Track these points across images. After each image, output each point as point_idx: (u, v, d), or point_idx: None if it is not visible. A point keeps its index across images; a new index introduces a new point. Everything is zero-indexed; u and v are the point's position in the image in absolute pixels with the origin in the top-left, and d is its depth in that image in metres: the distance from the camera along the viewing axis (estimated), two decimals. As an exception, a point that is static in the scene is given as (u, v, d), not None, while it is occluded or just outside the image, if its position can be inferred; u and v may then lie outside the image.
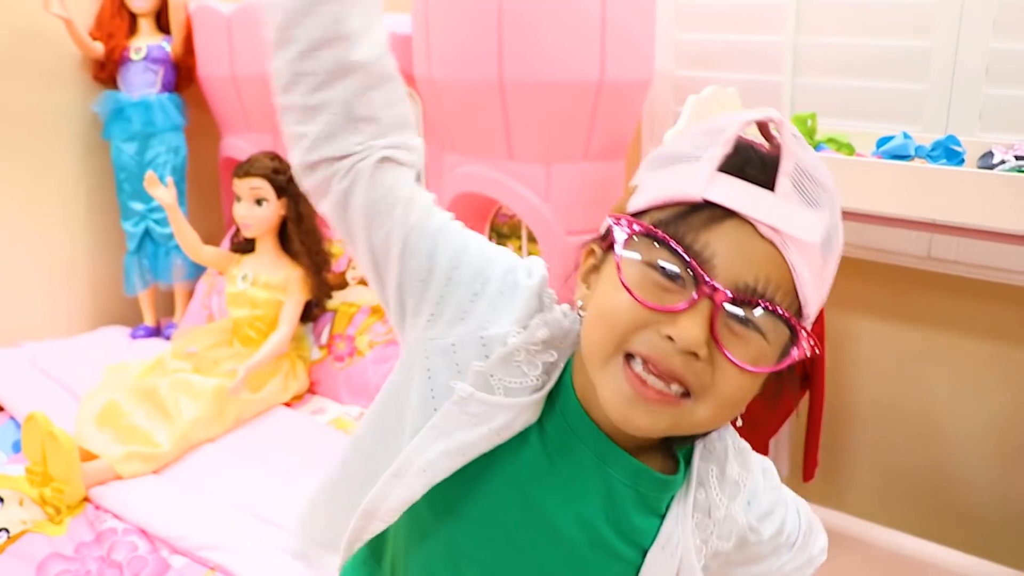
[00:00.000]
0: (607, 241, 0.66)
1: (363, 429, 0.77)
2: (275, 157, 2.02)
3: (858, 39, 1.85)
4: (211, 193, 2.66)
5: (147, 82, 2.38)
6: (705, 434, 0.72)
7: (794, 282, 0.61)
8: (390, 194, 0.69)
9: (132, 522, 1.52)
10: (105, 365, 2.09)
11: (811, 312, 0.64)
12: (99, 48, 2.35)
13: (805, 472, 1.95)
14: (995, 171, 1.43)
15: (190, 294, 2.49)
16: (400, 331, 0.74)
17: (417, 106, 2.13)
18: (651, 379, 0.61)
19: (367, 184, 0.69)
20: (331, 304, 2.11)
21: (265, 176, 1.97)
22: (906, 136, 1.51)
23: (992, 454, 1.88)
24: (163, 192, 1.99)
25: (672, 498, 0.71)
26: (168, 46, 2.41)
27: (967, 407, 1.91)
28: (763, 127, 0.65)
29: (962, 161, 1.49)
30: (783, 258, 0.61)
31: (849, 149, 1.57)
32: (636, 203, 0.66)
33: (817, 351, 0.64)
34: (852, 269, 1.93)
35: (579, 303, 0.69)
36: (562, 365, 0.70)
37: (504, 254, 0.72)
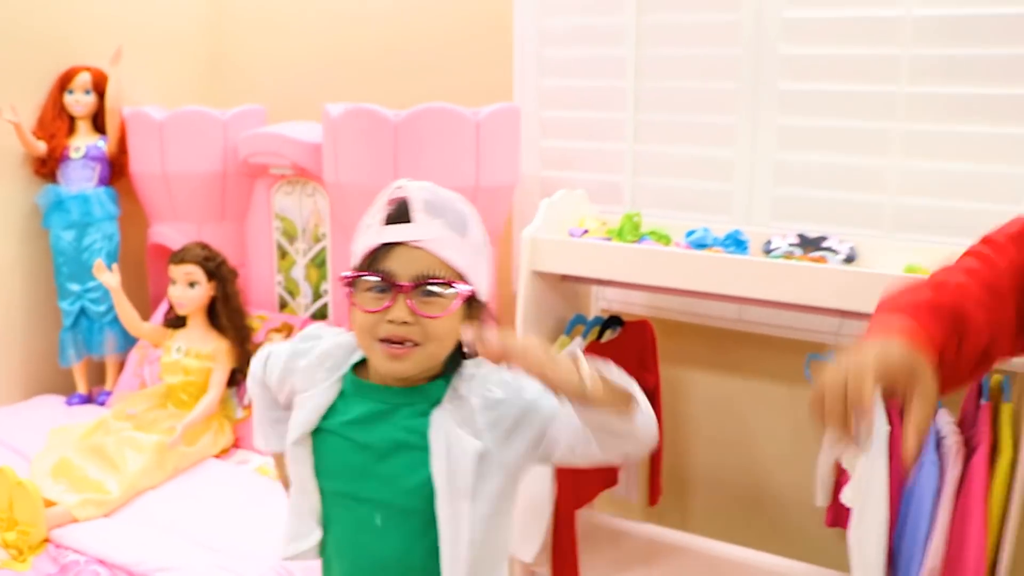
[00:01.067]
0: (347, 287, 1.13)
1: None
2: (205, 246, 2.39)
3: (681, 147, 2.36)
4: (139, 274, 2.97)
5: (85, 177, 2.70)
6: (459, 371, 1.16)
7: (446, 261, 1.08)
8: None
9: (92, 554, 1.83)
10: (49, 429, 2.38)
11: (468, 269, 1.11)
12: (42, 147, 2.66)
13: (651, 497, 2.39)
14: (769, 256, 1.92)
15: (121, 365, 2.79)
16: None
17: (325, 202, 2.53)
18: (394, 346, 1.07)
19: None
20: (253, 371, 2.46)
21: (198, 263, 2.34)
22: (705, 230, 2.00)
23: (799, 472, 2.36)
24: (109, 277, 2.33)
25: (437, 403, 1.13)
26: (104, 145, 2.73)
27: (777, 438, 2.40)
28: (399, 191, 1.12)
29: (746, 248, 1.97)
30: (431, 252, 1.07)
31: (667, 240, 2.04)
32: (355, 261, 1.13)
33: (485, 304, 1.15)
34: (681, 331, 2.44)
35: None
36: (348, 363, 1.18)
37: None
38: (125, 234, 2.82)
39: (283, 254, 2.69)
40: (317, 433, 1.15)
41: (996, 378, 1.89)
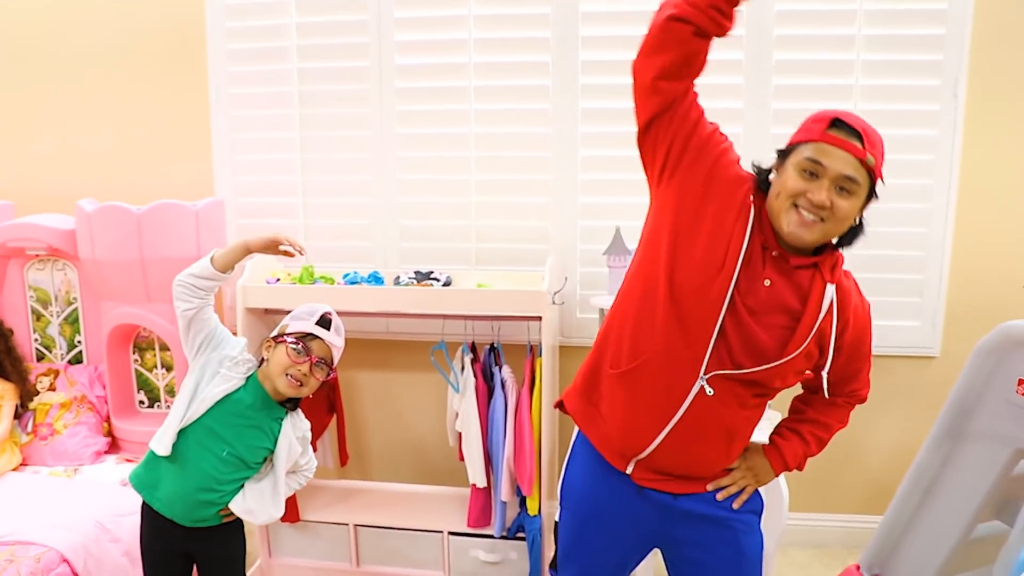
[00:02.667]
0: (277, 339, 2.15)
1: None
2: (-13, 313, 3.12)
3: (336, 219, 3.47)
4: None
5: None
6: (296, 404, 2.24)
7: (333, 355, 2.18)
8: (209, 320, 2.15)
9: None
10: None
11: (335, 360, 2.21)
12: None
13: (341, 460, 3.45)
14: (397, 285, 3.10)
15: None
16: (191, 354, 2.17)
17: (75, 274, 3.35)
18: (296, 383, 2.11)
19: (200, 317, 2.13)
20: (32, 405, 3.21)
21: (-19, 325, 3.07)
22: (356, 272, 3.13)
23: (437, 428, 3.53)
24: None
25: (283, 416, 2.19)
26: None
27: (419, 407, 3.57)
28: (328, 314, 2.20)
29: (383, 281, 3.13)
30: (330, 348, 2.16)
31: (331, 281, 3.15)
32: (289, 330, 2.15)
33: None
34: (350, 344, 3.49)
35: (264, 355, 2.18)
36: (251, 369, 2.17)
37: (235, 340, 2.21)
38: None
39: (38, 316, 3.43)
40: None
41: (535, 340, 3.13)
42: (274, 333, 2.20)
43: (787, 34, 3.14)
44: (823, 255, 1.71)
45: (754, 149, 2.68)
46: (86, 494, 2.83)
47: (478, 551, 3.08)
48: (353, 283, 3.11)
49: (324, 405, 3.32)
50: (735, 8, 1.61)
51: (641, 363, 1.74)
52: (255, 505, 2.18)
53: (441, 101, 3.35)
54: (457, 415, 3.10)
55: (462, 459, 3.13)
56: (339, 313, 3.12)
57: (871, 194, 1.65)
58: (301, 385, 2.12)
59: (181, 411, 2.10)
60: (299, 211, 3.48)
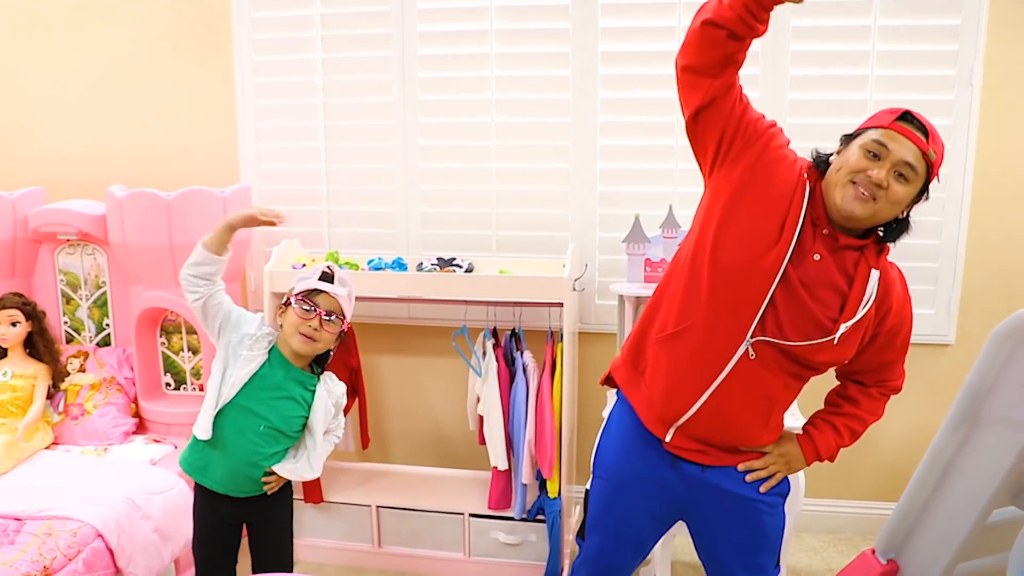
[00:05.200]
0: (286, 303, 2.21)
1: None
2: (20, 295, 3.18)
3: (360, 207, 3.54)
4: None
5: None
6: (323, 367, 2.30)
7: (341, 306, 2.23)
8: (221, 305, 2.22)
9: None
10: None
11: (347, 312, 2.26)
12: None
13: (363, 443, 3.52)
14: (420, 271, 3.15)
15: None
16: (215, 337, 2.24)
17: (104, 258, 3.42)
18: (307, 339, 2.19)
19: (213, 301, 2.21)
20: (63, 386, 3.28)
21: (17, 307, 3.12)
22: (380, 259, 3.19)
23: (457, 412, 3.59)
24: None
25: (318, 381, 2.26)
26: None
27: (440, 391, 3.63)
28: (329, 268, 2.26)
29: (406, 267, 3.19)
30: (336, 300, 2.22)
31: (356, 267, 3.21)
32: (296, 291, 2.21)
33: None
34: (373, 329, 3.61)
35: (279, 323, 2.24)
36: (272, 342, 2.24)
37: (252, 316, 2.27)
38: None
39: (68, 300, 3.51)
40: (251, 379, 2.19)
41: (556, 326, 3.18)
42: (284, 300, 2.28)
43: (803, 25, 3.17)
44: (869, 239, 1.78)
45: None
46: (117, 472, 2.91)
47: (498, 533, 3.14)
48: (377, 269, 3.17)
49: (347, 389, 3.38)
50: (769, 12, 1.68)
51: (687, 327, 1.82)
52: (294, 465, 2.28)
53: (462, 91, 3.40)
54: (479, 399, 3.16)
55: (482, 443, 3.20)
56: (363, 299, 3.19)
57: (924, 190, 1.73)
58: (314, 340, 2.19)
59: (214, 395, 2.18)
60: (323, 198, 3.54)
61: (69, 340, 3.53)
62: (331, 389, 2.32)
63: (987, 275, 3.24)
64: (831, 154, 1.81)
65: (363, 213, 3.54)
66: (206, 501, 2.31)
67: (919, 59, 3.14)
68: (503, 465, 3.08)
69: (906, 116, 1.72)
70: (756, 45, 3.15)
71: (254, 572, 2.37)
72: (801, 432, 2.01)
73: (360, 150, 3.51)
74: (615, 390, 2.08)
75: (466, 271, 3.20)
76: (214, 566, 2.36)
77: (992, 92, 3.12)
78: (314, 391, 2.27)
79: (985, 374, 2.25)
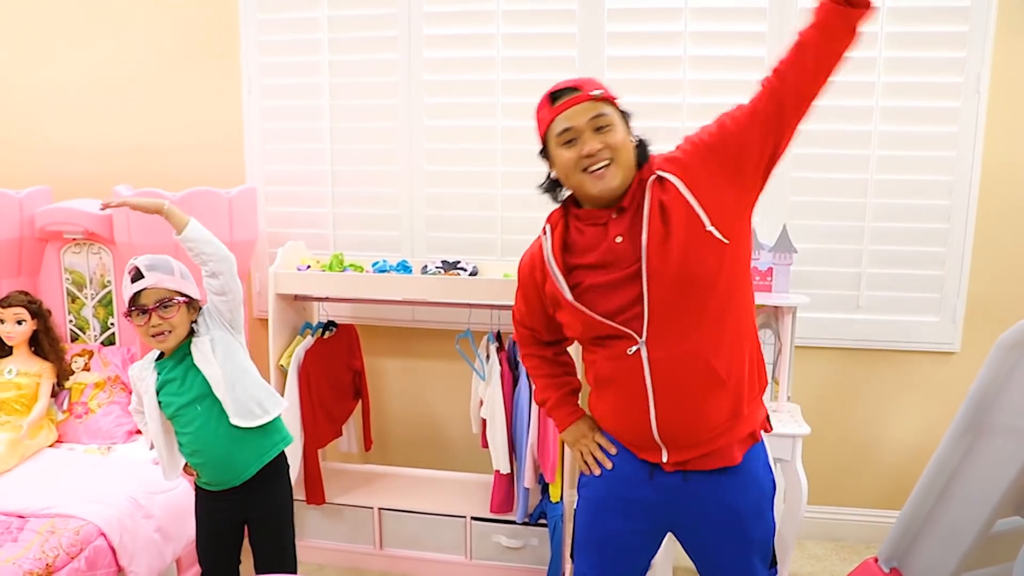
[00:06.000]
0: (127, 316, 2.20)
1: None
2: (26, 293, 3.18)
3: (365, 208, 3.54)
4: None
5: None
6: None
7: (167, 288, 2.20)
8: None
9: (-18, 512, 2.61)
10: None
11: (181, 287, 2.23)
12: None
13: (366, 445, 3.52)
14: (425, 274, 3.15)
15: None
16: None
17: (109, 257, 3.42)
18: (159, 336, 2.19)
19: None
20: (68, 384, 3.29)
21: (23, 305, 3.13)
22: (384, 261, 3.19)
23: (460, 417, 3.59)
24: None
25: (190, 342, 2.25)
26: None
27: (443, 395, 3.63)
28: (133, 264, 2.24)
29: (411, 270, 3.19)
30: (156, 287, 2.19)
31: (360, 269, 3.21)
32: (126, 303, 2.21)
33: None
34: (376, 331, 3.60)
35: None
36: (149, 364, 2.29)
37: None
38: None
39: (73, 299, 3.51)
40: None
41: None
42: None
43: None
44: (630, 190, 1.82)
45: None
46: (120, 471, 2.91)
47: (500, 536, 3.14)
48: (382, 271, 3.17)
49: (350, 391, 3.39)
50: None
51: (597, 374, 1.91)
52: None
53: (468, 94, 3.40)
54: (482, 402, 3.16)
55: (485, 446, 3.19)
56: (368, 301, 3.18)
57: (623, 113, 1.86)
58: (166, 333, 2.18)
59: (156, 433, 2.29)
60: (328, 200, 3.54)
61: (74, 339, 3.53)
62: (198, 343, 2.24)
63: (993, 283, 3.24)
64: (551, 179, 1.98)
65: (368, 215, 3.54)
66: (205, 502, 2.34)
67: (926, 66, 3.13)
68: (505, 468, 3.08)
69: (552, 96, 1.83)
70: (761, 48, 3.19)
71: (257, 572, 2.37)
72: None
73: (366, 152, 3.51)
74: None
75: (471, 274, 3.19)
76: (218, 568, 2.37)
77: (999, 99, 3.12)
78: (190, 356, 2.24)
79: (990, 383, 2.24)
